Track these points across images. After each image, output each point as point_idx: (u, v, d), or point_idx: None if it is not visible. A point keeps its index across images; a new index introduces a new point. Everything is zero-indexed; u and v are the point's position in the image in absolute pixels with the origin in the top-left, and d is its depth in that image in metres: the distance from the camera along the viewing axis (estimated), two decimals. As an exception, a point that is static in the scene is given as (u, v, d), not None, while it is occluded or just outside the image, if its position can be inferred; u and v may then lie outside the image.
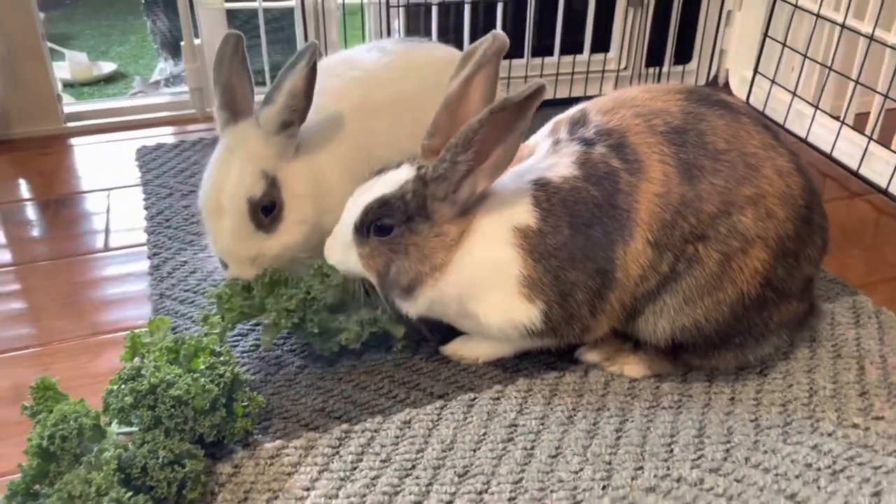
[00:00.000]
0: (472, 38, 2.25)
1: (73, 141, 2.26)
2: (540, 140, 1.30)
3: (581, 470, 1.15)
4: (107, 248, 1.76)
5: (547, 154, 1.25)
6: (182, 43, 2.17)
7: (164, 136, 2.27)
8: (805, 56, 2.12)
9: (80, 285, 1.63)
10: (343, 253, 1.25)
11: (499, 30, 1.24)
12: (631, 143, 1.19)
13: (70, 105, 2.37)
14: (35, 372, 1.39)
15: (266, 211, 1.33)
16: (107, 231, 1.83)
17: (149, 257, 1.69)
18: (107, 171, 2.08)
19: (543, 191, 1.20)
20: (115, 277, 1.66)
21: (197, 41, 2.17)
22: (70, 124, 2.29)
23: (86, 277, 1.66)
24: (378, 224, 1.20)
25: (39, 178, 2.06)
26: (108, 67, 3.30)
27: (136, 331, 1.27)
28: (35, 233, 1.82)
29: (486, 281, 1.21)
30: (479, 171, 1.16)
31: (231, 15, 2.16)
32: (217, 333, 1.28)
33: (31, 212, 1.91)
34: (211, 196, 1.34)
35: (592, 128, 1.23)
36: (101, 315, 1.53)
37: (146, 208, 1.88)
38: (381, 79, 1.51)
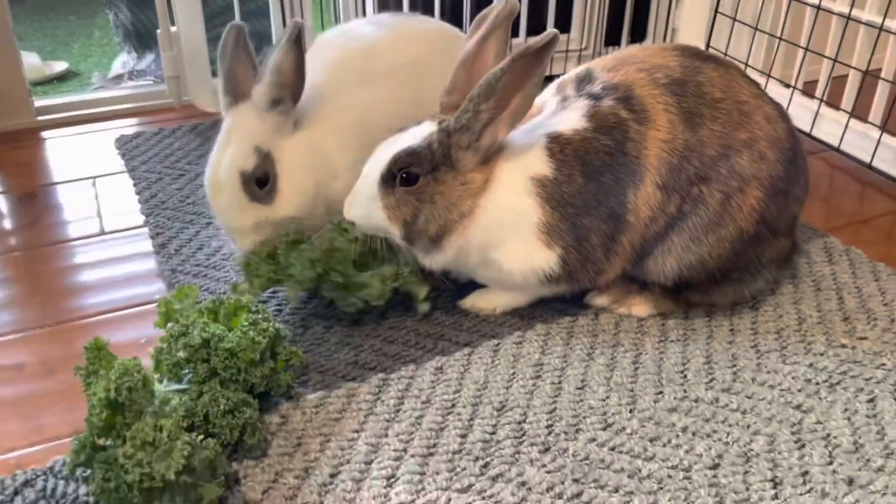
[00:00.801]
0: (442, 17, 2.33)
1: (46, 134, 2.24)
2: (547, 98, 1.39)
3: (608, 398, 1.24)
4: (103, 232, 1.77)
5: (557, 110, 1.34)
6: (158, 31, 2.17)
7: (139, 126, 2.27)
8: (756, 28, 2.27)
9: (84, 267, 1.64)
10: (366, 206, 1.29)
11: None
12: (637, 95, 1.29)
13: (40, 99, 2.34)
14: (59, 348, 1.40)
15: (261, 184, 1.38)
16: (100, 216, 1.83)
17: (151, 237, 1.70)
18: (87, 161, 2.07)
19: (556, 143, 1.29)
20: (119, 258, 1.67)
21: (173, 29, 2.17)
22: (41, 118, 2.27)
23: (88, 259, 1.67)
24: (405, 174, 1.25)
25: (18, 170, 2.04)
26: (59, 66, 3.24)
27: (167, 298, 1.30)
28: (25, 221, 1.81)
29: (507, 229, 1.29)
30: (500, 119, 1.24)
31: (205, 2, 2.17)
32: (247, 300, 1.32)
33: (16, 201, 1.89)
34: (211, 174, 1.39)
35: (599, 84, 1.32)
36: (114, 293, 1.55)
37: (138, 192, 1.88)
38: (379, 49, 1.57)
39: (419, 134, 1.27)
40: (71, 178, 2.01)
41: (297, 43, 1.34)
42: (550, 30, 1.19)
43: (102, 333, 1.42)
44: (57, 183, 1.98)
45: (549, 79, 2.44)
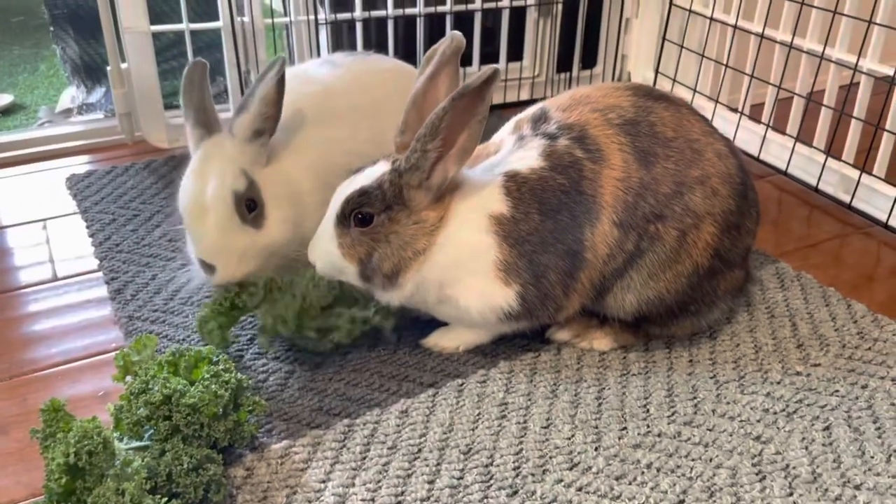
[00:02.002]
0: (395, 52, 2.35)
1: (-8, 174, 2.19)
2: (504, 137, 1.41)
3: (573, 436, 1.25)
4: (56, 278, 1.73)
5: (513, 149, 1.36)
6: (108, 68, 2.14)
7: (90, 163, 2.23)
8: (702, 56, 2.33)
9: (37, 315, 1.60)
10: (325, 246, 1.31)
11: (456, 31, 1.35)
12: (591, 135, 1.31)
13: (-15, 137, 2.29)
14: (13, 404, 1.36)
15: (249, 208, 1.36)
16: (52, 261, 1.79)
17: (107, 282, 1.67)
18: (37, 202, 2.03)
19: (513, 181, 1.30)
20: (74, 305, 1.63)
21: (123, 65, 2.15)
22: (-14, 157, 2.22)
23: (42, 308, 1.63)
24: (359, 214, 1.27)
25: (-37, 214, 1.99)
26: (4, 99, 3.17)
27: (125, 350, 1.27)
28: (-26, 268, 1.76)
29: (465, 266, 1.30)
30: (448, 156, 1.26)
31: (155, 36, 2.15)
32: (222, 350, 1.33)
33: (-37, 248, 1.84)
34: (192, 198, 1.35)
35: (554, 123, 1.34)
36: (69, 342, 1.51)
37: (91, 235, 1.85)
38: (336, 90, 1.58)
39: (373, 174, 1.28)
40: (20, 220, 1.96)
41: (282, 77, 1.35)
42: (489, 66, 1.21)
43: (58, 387, 1.41)
44: (6, 226, 1.94)
45: (502, 106, 2.48)
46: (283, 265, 1.40)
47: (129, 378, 1.25)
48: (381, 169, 1.29)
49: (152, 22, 2.12)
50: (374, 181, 1.28)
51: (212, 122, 1.40)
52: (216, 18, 2.19)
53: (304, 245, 1.37)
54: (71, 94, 2.82)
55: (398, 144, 1.33)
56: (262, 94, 1.35)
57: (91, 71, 2.84)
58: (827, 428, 1.27)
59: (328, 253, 1.31)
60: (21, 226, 1.94)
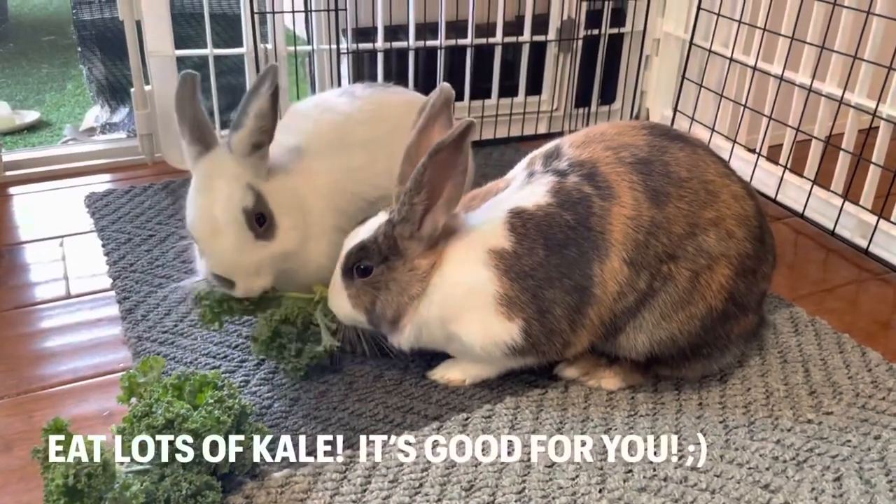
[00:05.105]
0: (416, 83, 2.37)
1: (14, 190, 2.22)
2: (517, 173, 1.41)
3: (577, 476, 1.23)
4: (69, 296, 1.74)
5: (522, 185, 1.36)
6: (132, 90, 2.18)
7: (110, 182, 2.26)
8: (721, 95, 2.33)
9: (49, 332, 1.61)
10: (339, 297, 1.36)
11: (445, 83, 1.38)
12: (602, 172, 1.31)
13: (9, 153, 2.32)
14: (18, 420, 1.37)
15: (259, 222, 1.37)
16: (66, 278, 1.81)
17: (119, 301, 1.68)
18: (55, 219, 2.06)
19: (518, 217, 1.31)
20: (85, 323, 1.64)
21: (147, 87, 2.18)
22: (10, 173, 2.25)
23: (53, 325, 1.64)
24: (360, 267, 1.32)
25: (-17, 228, 2.02)
26: (30, 116, 3.23)
27: (131, 371, 1.28)
28: (-10, 283, 1.78)
29: (465, 302, 1.31)
30: (436, 207, 1.29)
31: (179, 62, 2.18)
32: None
33: (-20, 262, 1.86)
34: (203, 217, 1.35)
35: (565, 160, 1.34)
36: (78, 361, 1.52)
37: (106, 254, 1.87)
38: (354, 120, 1.59)
39: (372, 226, 1.33)
40: (38, 237, 1.98)
41: (275, 91, 1.35)
42: (465, 119, 1.23)
43: (65, 405, 1.41)
44: (24, 242, 1.96)
45: (520, 139, 2.49)
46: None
47: (133, 400, 1.25)
48: (379, 220, 1.34)
49: (177, 46, 2.15)
50: (371, 235, 1.32)
51: (208, 138, 1.38)
52: (240, 44, 2.22)
53: (309, 265, 1.43)
54: (95, 114, 2.87)
55: (396, 195, 1.34)
56: (257, 110, 1.34)
57: (115, 91, 2.89)
58: (837, 478, 1.24)
59: (342, 304, 1.36)
60: (38, 242, 1.96)
